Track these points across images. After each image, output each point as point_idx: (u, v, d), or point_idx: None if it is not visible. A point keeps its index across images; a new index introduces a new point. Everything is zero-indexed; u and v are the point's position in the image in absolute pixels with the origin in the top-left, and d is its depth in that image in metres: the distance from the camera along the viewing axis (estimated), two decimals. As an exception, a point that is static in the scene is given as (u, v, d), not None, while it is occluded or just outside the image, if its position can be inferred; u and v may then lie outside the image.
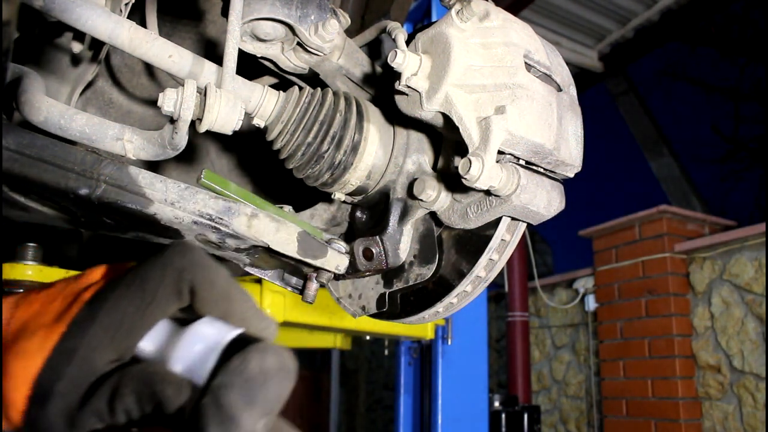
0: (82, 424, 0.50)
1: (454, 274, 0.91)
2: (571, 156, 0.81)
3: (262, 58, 0.99)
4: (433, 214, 0.94)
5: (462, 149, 0.78)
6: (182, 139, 0.78)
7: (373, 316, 1.04)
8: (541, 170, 0.82)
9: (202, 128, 0.78)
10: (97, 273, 0.59)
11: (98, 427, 0.51)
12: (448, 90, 0.76)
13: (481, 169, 0.72)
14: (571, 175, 0.84)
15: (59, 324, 0.52)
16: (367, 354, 8.28)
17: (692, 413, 4.25)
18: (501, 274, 5.01)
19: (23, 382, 0.50)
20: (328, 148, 0.93)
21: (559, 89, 0.83)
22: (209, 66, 0.88)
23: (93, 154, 0.76)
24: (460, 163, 0.74)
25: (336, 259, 0.93)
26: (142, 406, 0.49)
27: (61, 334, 0.51)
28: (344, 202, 1.05)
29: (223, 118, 0.78)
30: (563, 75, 0.84)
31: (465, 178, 0.73)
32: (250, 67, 1.00)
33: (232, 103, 0.78)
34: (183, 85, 0.76)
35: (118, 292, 0.53)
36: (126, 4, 0.89)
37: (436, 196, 0.90)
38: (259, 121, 0.93)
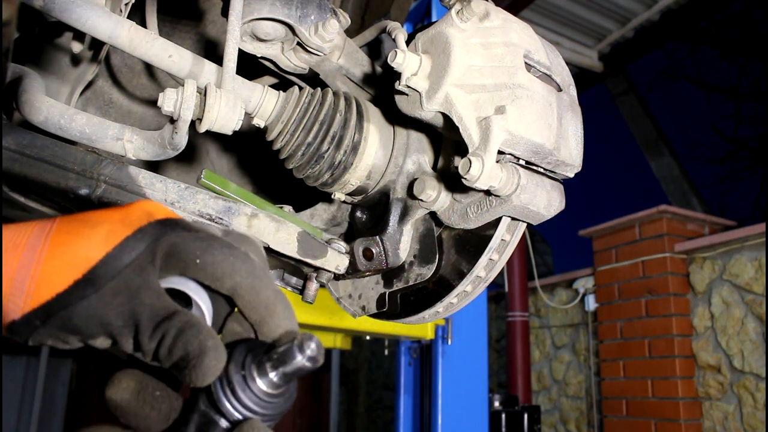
0: (109, 329, 0.49)
1: (454, 274, 0.91)
2: (571, 156, 0.81)
3: (262, 58, 0.99)
4: (433, 214, 0.94)
5: (462, 149, 0.78)
6: (182, 139, 0.78)
7: (373, 316, 1.04)
8: (541, 170, 0.82)
9: (202, 128, 0.78)
10: (154, 204, 0.58)
11: (116, 344, 0.50)
12: (448, 90, 0.76)
13: (481, 169, 0.72)
14: (571, 175, 0.84)
15: (125, 227, 0.52)
16: (367, 354, 8.28)
17: (692, 413, 4.25)
18: (501, 274, 5.01)
19: (80, 265, 0.49)
20: (328, 148, 0.93)
21: (559, 89, 0.83)
22: (209, 66, 0.88)
23: (93, 154, 0.76)
24: (460, 163, 0.74)
25: (336, 259, 0.93)
26: (173, 352, 0.48)
27: (127, 236, 0.51)
28: (344, 202, 1.05)
29: (223, 118, 0.78)
30: (563, 75, 0.84)
31: (465, 178, 0.73)
32: (250, 67, 1.00)
33: (232, 103, 0.78)
34: (183, 85, 0.76)
35: (193, 230, 0.54)
36: (126, 4, 0.89)
37: (436, 196, 0.90)
38: (259, 121, 0.93)
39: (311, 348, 0.48)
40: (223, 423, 0.48)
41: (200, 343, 0.48)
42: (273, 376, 0.49)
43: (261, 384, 0.48)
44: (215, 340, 0.49)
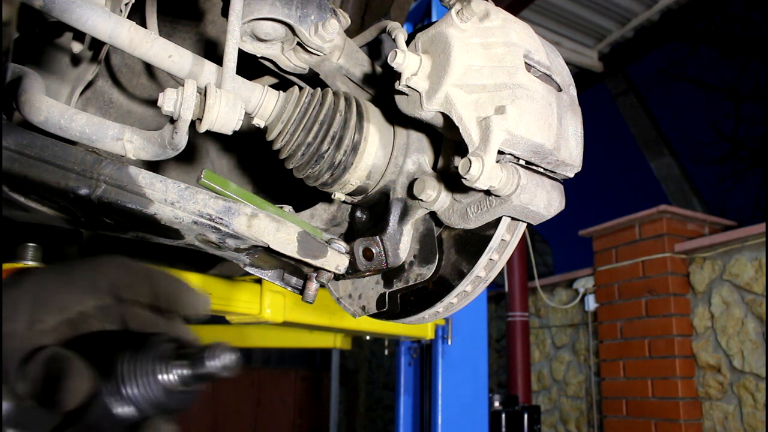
0: None
1: (454, 274, 0.91)
2: (571, 156, 0.81)
3: (262, 58, 0.99)
4: (433, 214, 0.94)
5: (462, 149, 0.78)
6: (182, 139, 0.78)
7: (373, 316, 1.04)
8: (541, 170, 0.82)
9: (202, 128, 0.78)
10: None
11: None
12: (448, 90, 0.76)
13: (481, 169, 0.72)
14: (571, 175, 0.84)
15: None
16: (367, 354, 8.28)
17: (692, 413, 4.25)
18: (501, 274, 5.01)
19: None
20: (328, 148, 0.93)
21: (559, 89, 0.82)
22: (209, 66, 0.88)
23: (93, 154, 0.76)
24: (460, 163, 0.74)
25: (336, 259, 0.93)
26: (36, 383, 0.51)
27: None
28: (344, 202, 1.05)
29: (223, 118, 0.78)
30: (563, 75, 0.84)
31: (465, 178, 0.73)
32: (250, 67, 1.00)
33: (232, 103, 0.78)
34: (183, 85, 0.76)
35: (44, 271, 0.58)
36: (126, 4, 0.89)
37: (436, 196, 0.90)
38: (259, 121, 0.93)
39: (228, 358, 0.52)
40: (123, 409, 0.51)
41: (63, 369, 0.50)
42: (184, 372, 0.52)
43: (168, 377, 0.52)
44: (77, 364, 0.51)
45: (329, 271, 0.95)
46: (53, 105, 0.78)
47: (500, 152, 0.75)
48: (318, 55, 0.96)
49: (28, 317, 0.54)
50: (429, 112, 0.79)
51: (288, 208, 0.98)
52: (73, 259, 0.63)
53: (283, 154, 0.95)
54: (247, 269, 1.02)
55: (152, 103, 1.37)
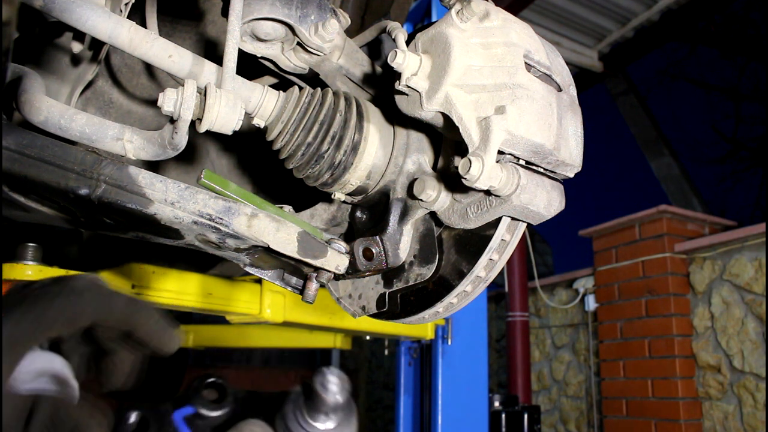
0: None
1: (454, 274, 0.91)
2: (571, 156, 0.81)
3: (262, 58, 0.99)
4: (433, 214, 0.94)
5: (462, 149, 0.78)
6: (182, 139, 0.78)
7: (373, 316, 1.04)
8: (541, 170, 0.82)
9: (202, 128, 0.78)
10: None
11: None
12: (448, 90, 0.76)
13: (481, 169, 0.72)
14: (571, 175, 0.84)
15: None
16: (367, 354, 8.28)
17: (692, 413, 4.25)
18: (501, 274, 5.01)
19: None
20: (328, 148, 0.93)
21: (559, 89, 0.82)
22: (209, 66, 0.88)
23: (93, 154, 0.76)
24: (460, 163, 0.74)
25: (336, 259, 0.93)
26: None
27: None
28: (344, 202, 1.05)
29: (223, 118, 0.78)
30: (563, 75, 0.84)
31: (465, 178, 0.73)
32: (250, 67, 1.00)
33: (232, 103, 0.78)
34: (183, 85, 0.76)
35: (19, 307, 0.57)
36: (126, 4, 0.89)
37: (436, 196, 0.90)
38: (259, 121, 0.93)
39: (334, 383, 0.58)
40: None
41: (70, 422, 0.53)
42: (321, 418, 0.58)
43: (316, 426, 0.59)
44: (80, 410, 0.54)
45: (329, 271, 0.95)
46: (53, 105, 0.78)
47: (500, 152, 0.75)
48: (318, 55, 0.96)
49: (9, 361, 0.54)
50: (429, 112, 0.79)
51: (288, 208, 0.98)
52: (48, 285, 0.61)
53: (283, 154, 0.95)
54: (247, 269, 1.02)
55: (152, 103, 1.37)
